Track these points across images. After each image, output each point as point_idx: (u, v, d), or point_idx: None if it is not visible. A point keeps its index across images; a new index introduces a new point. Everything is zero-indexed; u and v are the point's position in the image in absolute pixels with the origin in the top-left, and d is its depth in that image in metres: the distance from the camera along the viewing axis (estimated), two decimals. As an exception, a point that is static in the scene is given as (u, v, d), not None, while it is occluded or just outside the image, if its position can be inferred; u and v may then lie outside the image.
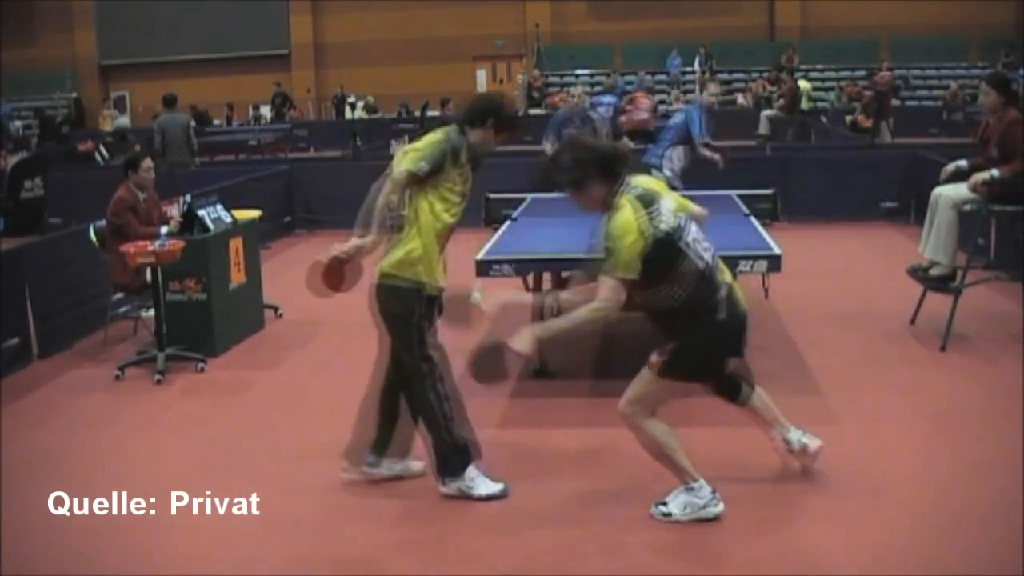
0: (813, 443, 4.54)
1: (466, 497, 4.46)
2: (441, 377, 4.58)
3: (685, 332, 4.09)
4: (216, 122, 26.47)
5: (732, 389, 4.55)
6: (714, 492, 4.19)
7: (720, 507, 4.16)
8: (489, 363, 4.17)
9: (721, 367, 4.32)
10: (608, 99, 17.86)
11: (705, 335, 4.09)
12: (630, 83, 25.32)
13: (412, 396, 4.63)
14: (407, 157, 4.50)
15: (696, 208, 4.47)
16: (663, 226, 3.96)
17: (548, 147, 10.46)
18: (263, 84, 29.11)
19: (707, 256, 4.08)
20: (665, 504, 4.23)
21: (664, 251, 3.94)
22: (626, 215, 3.97)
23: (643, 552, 4.00)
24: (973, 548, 3.91)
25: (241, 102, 28.03)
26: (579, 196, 4.17)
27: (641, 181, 4.19)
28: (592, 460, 4.94)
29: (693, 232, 4.10)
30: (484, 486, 4.50)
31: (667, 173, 8.39)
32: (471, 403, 5.83)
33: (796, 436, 4.56)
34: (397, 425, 4.70)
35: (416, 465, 4.75)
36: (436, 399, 4.53)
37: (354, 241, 4.54)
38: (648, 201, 4.02)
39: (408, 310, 4.52)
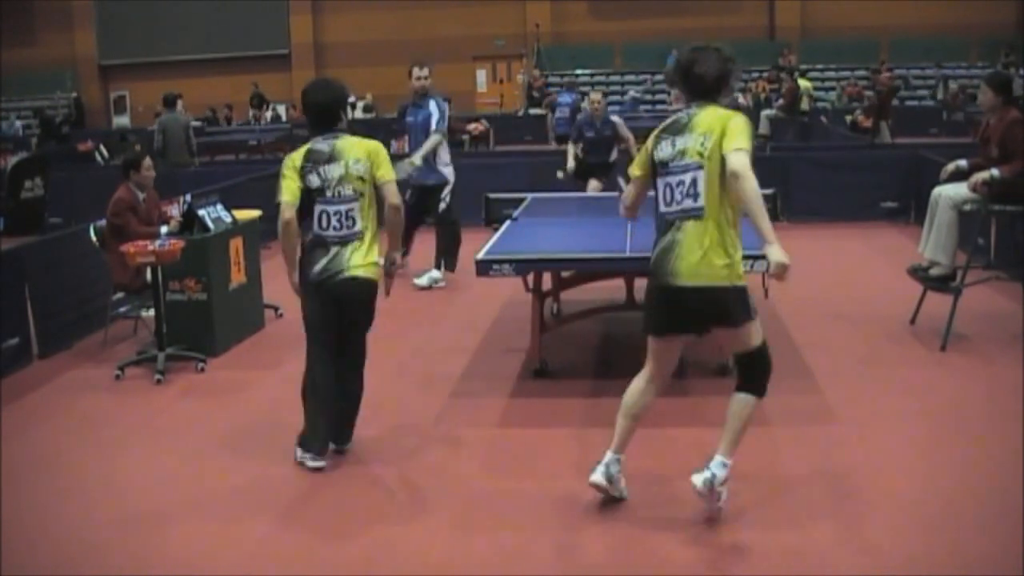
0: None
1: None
2: None
3: None
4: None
5: None
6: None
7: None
8: None
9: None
10: (566, 98, 18.04)
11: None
12: (630, 83, 25.36)
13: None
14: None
15: None
16: None
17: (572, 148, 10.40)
18: (263, 84, 29.11)
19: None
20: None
21: None
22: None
23: (642, 552, 4.00)
24: (973, 548, 3.91)
25: (241, 102, 28.03)
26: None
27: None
28: (592, 460, 4.93)
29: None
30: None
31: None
32: (471, 403, 5.86)
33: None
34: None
35: None
36: None
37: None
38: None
39: None
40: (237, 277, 7.36)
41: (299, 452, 4.94)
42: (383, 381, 6.36)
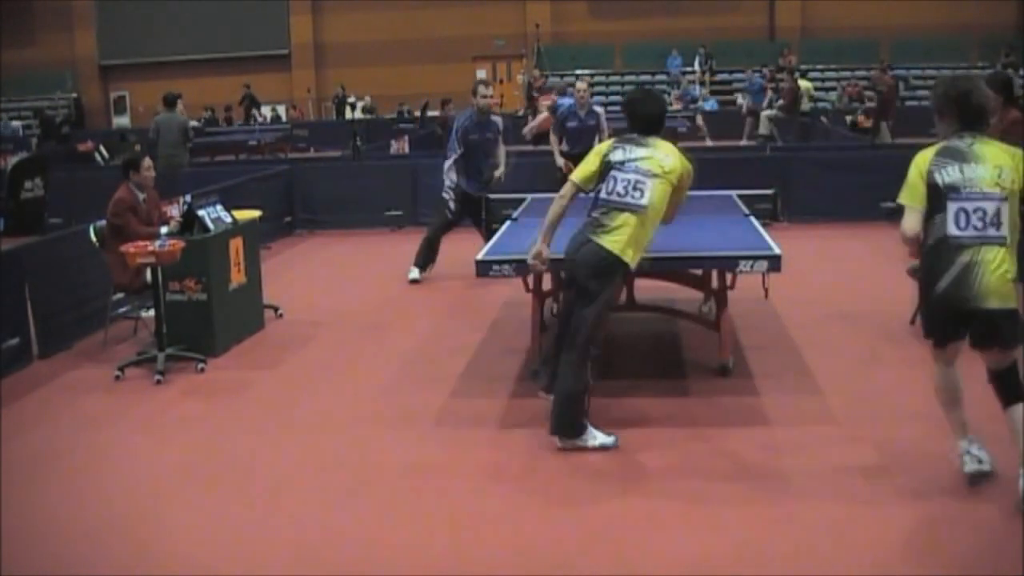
0: None
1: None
2: None
3: None
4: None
5: None
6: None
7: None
8: None
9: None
10: (567, 100, 17.98)
11: None
12: (630, 83, 25.31)
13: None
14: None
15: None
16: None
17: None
18: (263, 84, 29.12)
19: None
20: None
21: None
22: None
23: (642, 552, 4.00)
24: (974, 548, 3.91)
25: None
26: None
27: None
28: (592, 460, 4.94)
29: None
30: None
31: None
32: (471, 404, 5.86)
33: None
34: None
35: None
36: None
37: None
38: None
39: None
40: (237, 277, 7.36)
41: None
42: (383, 381, 6.37)
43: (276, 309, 8.06)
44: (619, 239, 4.89)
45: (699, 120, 21.47)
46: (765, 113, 20.03)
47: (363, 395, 6.13)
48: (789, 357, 6.49)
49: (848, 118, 20.24)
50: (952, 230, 4.28)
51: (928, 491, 4.46)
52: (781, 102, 19.90)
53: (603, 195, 4.98)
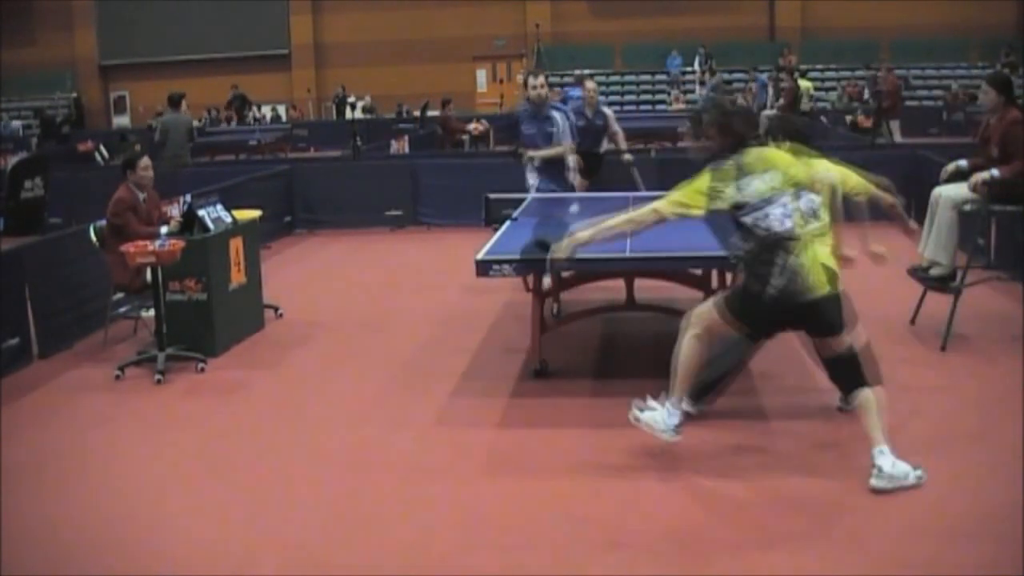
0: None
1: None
2: None
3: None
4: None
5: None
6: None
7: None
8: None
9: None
10: (577, 92, 17.71)
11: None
12: (631, 83, 25.34)
13: None
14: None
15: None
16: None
17: None
18: (263, 84, 29.12)
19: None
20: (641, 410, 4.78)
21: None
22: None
23: (642, 551, 3.99)
24: (974, 548, 3.90)
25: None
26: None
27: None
28: (591, 460, 4.94)
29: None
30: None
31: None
32: (471, 403, 5.86)
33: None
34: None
35: None
36: None
37: None
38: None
39: None
40: (237, 277, 7.36)
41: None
42: (383, 381, 6.37)
43: (276, 309, 8.06)
44: None
45: None
46: (765, 113, 20.03)
47: (363, 395, 6.13)
48: (789, 357, 6.48)
49: (848, 118, 20.23)
50: None
51: (928, 490, 4.46)
52: (781, 102, 19.89)
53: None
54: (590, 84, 10.37)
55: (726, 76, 26.10)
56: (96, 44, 31.26)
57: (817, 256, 4.58)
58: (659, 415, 4.74)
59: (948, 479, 4.57)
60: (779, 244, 4.51)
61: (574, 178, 8.61)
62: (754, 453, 4.95)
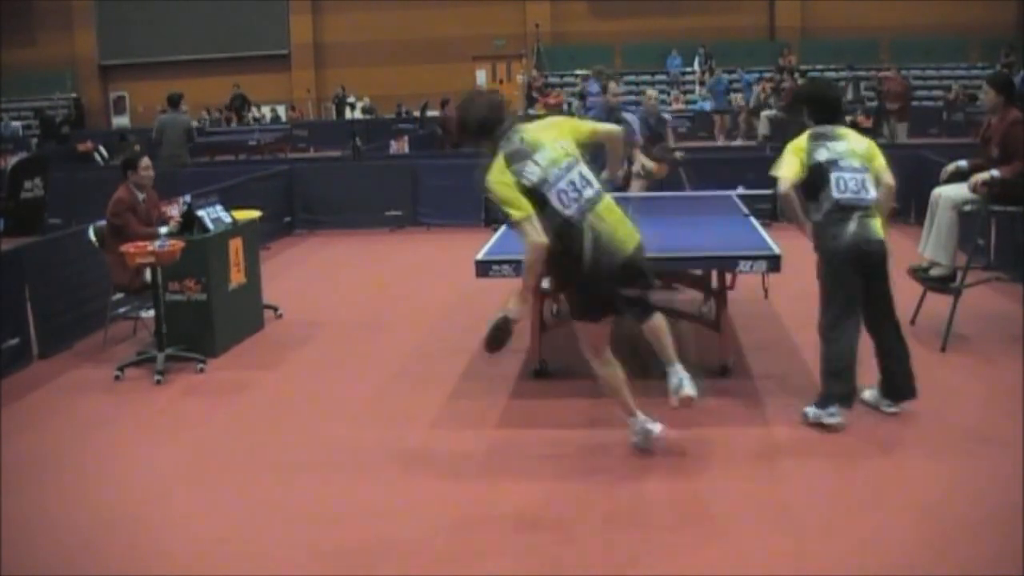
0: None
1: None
2: None
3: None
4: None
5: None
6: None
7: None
8: (500, 335, 4.58)
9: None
10: (595, 87, 17.47)
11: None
12: (631, 83, 25.28)
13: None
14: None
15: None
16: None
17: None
18: (263, 84, 29.11)
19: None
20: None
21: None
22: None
23: (642, 552, 3.99)
24: (974, 549, 3.90)
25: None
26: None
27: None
28: (592, 460, 4.94)
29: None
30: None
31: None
32: (471, 403, 5.86)
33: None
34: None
35: None
36: None
37: None
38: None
39: None
40: (237, 277, 7.36)
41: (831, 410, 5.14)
42: (383, 381, 6.37)
43: (276, 309, 8.06)
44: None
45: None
46: (765, 113, 20.03)
47: (362, 395, 6.13)
48: (789, 357, 6.49)
49: (848, 118, 20.22)
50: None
51: (928, 490, 4.46)
52: (782, 102, 19.91)
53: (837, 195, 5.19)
54: (652, 92, 10.52)
55: (726, 76, 26.08)
56: (96, 44, 31.25)
57: (609, 216, 4.64)
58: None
59: (948, 479, 4.58)
60: (574, 219, 4.51)
61: (636, 181, 8.79)
62: (755, 453, 4.95)
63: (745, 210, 7.23)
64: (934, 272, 6.77)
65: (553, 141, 4.63)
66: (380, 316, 8.11)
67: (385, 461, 5.06)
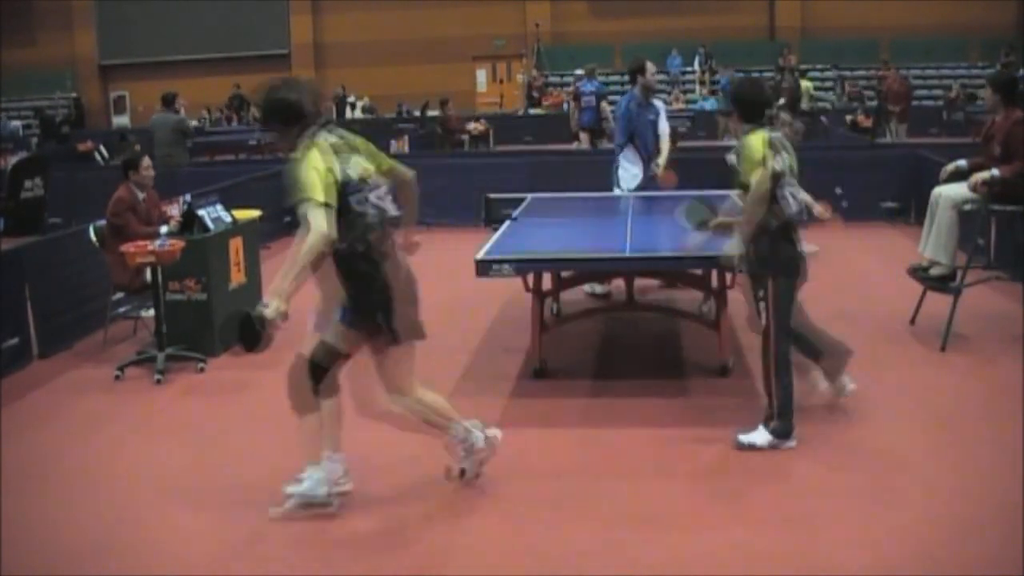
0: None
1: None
2: None
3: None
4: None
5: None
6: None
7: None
8: (255, 335, 4.18)
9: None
10: (589, 87, 17.37)
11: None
12: (630, 83, 25.30)
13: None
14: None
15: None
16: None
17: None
18: (263, 84, 29.04)
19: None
20: None
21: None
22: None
23: (643, 551, 3.99)
24: (974, 548, 3.91)
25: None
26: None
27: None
28: (592, 460, 4.94)
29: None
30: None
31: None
32: (471, 403, 5.84)
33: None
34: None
35: None
36: None
37: None
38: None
39: None
40: (237, 277, 7.36)
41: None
42: (383, 381, 6.36)
43: (276, 309, 8.04)
44: None
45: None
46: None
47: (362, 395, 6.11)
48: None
49: (848, 118, 20.23)
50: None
51: (928, 490, 4.46)
52: (782, 102, 19.89)
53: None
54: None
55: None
56: (96, 44, 31.25)
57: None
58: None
59: (948, 479, 4.58)
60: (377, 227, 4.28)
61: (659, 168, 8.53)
62: (754, 452, 4.95)
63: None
64: (934, 272, 6.76)
65: (366, 151, 4.42)
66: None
67: (384, 461, 5.06)
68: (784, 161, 5.01)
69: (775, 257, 4.92)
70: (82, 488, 4.85)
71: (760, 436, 4.93)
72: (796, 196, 5.03)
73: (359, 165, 4.28)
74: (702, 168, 8.67)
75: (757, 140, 4.96)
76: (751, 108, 5.17)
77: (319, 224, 4.00)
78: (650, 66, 8.73)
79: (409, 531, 4.27)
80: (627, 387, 6.00)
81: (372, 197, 4.29)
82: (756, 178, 4.84)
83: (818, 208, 5.51)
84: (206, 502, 4.63)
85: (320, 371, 4.35)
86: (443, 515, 4.41)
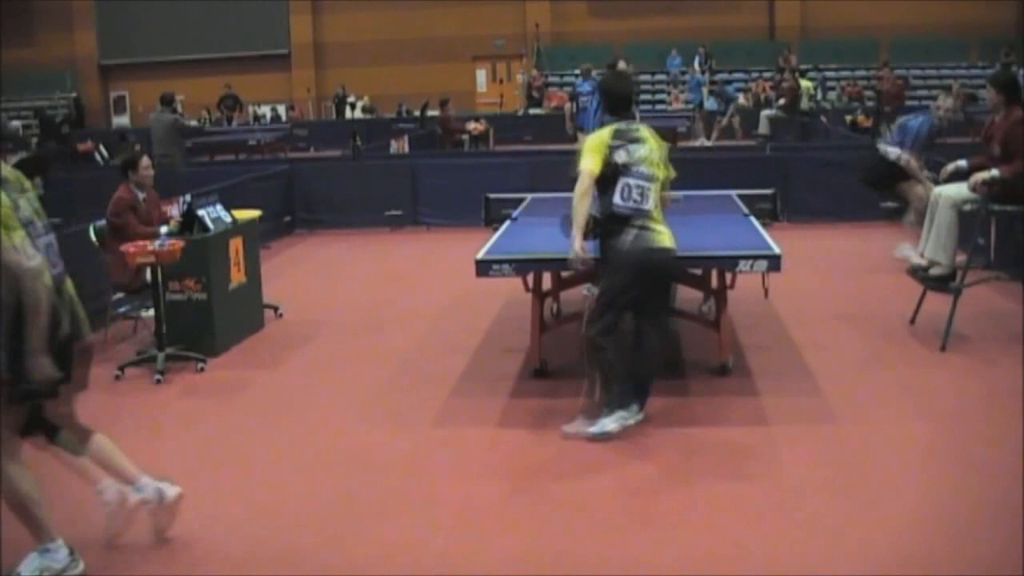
0: (171, 491, 4.09)
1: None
2: None
3: None
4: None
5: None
6: (72, 553, 3.86)
7: (79, 568, 3.81)
8: None
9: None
10: (586, 87, 17.27)
11: None
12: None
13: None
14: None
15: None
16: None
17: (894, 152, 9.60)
18: (263, 84, 29.10)
19: None
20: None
21: None
22: None
23: (642, 551, 4.00)
24: (974, 548, 3.90)
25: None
26: None
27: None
28: (591, 460, 4.94)
29: None
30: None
31: None
32: (471, 403, 5.86)
33: (149, 486, 4.09)
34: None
35: None
36: None
37: None
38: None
39: None
40: (237, 277, 7.36)
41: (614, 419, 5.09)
42: (383, 381, 6.37)
43: (276, 309, 8.06)
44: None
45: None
46: (765, 113, 20.03)
47: (363, 395, 6.13)
48: (789, 357, 6.49)
49: (848, 118, 20.23)
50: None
51: (928, 490, 4.47)
52: (782, 102, 19.90)
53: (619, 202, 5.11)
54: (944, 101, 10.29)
55: (726, 76, 26.11)
56: (96, 44, 31.23)
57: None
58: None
59: (948, 479, 4.58)
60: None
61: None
62: (754, 452, 4.95)
63: (745, 210, 7.23)
64: (934, 272, 6.77)
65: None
66: (380, 316, 8.11)
67: (385, 461, 5.06)
68: (630, 154, 5.09)
69: (604, 250, 5.14)
70: (81, 488, 4.84)
71: (607, 422, 5.08)
72: (643, 190, 5.07)
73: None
74: (702, 168, 8.70)
75: (598, 134, 5.20)
76: (614, 100, 5.38)
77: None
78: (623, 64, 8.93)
79: (410, 531, 4.27)
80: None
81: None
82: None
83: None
84: (205, 502, 4.62)
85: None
86: (443, 515, 4.40)
